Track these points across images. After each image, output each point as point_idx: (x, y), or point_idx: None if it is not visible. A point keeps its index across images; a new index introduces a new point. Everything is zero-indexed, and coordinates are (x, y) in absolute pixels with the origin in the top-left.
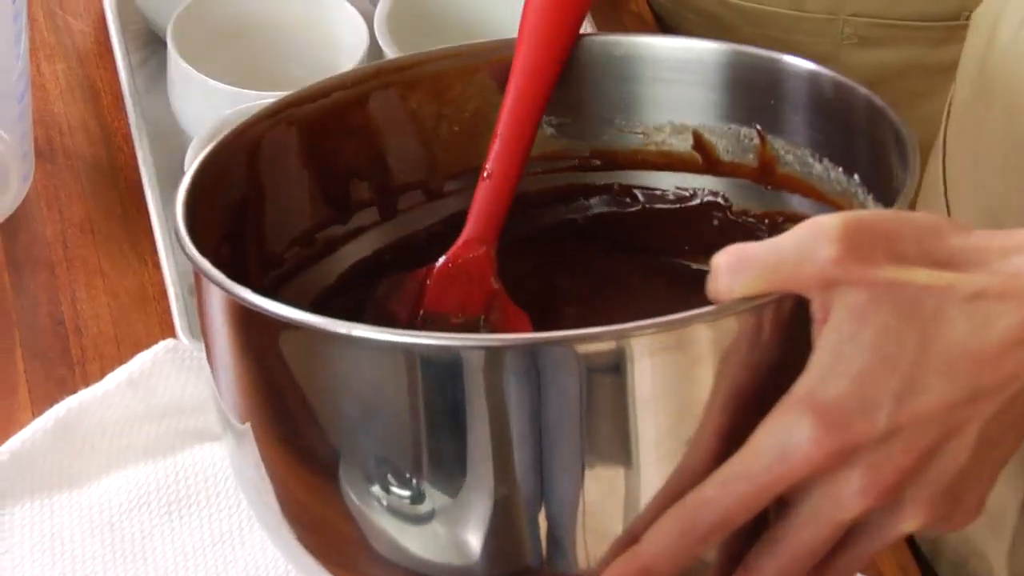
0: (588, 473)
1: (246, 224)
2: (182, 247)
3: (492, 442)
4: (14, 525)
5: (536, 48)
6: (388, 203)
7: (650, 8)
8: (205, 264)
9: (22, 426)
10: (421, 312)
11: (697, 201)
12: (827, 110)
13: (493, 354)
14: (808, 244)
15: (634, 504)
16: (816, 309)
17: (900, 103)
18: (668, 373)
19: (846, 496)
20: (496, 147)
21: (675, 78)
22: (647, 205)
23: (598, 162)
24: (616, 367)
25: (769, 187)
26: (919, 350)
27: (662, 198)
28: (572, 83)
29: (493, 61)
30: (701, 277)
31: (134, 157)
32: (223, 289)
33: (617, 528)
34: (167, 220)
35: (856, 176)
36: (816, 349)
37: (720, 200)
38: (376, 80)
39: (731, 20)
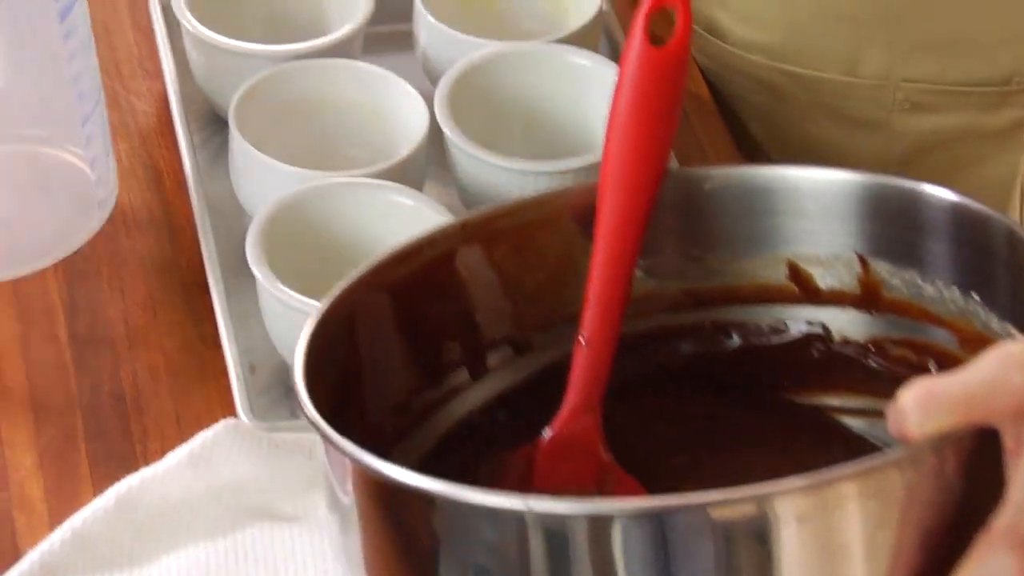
0: None
1: (349, 397)
2: (311, 423)
3: None
4: None
5: (622, 199)
6: (478, 362)
7: (704, 81)
8: (329, 430)
9: (84, 504)
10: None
11: (795, 333)
12: (959, 238)
13: (603, 523)
14: (1000, 374)
15: None
16: (1008, 439)
17: (952, 169)
18: (848, 527)
19: None
20: (590, 312)
21: (767, 208)
22: (742, 341)
23: (687, 301)
24: (764, 529)
25: (874, 312)
26: None
27: (758, 333)
28: (658, 222)
29: (576, 206)
30: (806, 412)
31: (196, 236)
32: (354, 460)
33: None
34: (228, 299)
35: (974, 295)
36: (1011, 481)
37: (819, 330)
38: (462, 236)
39: (784, 87)
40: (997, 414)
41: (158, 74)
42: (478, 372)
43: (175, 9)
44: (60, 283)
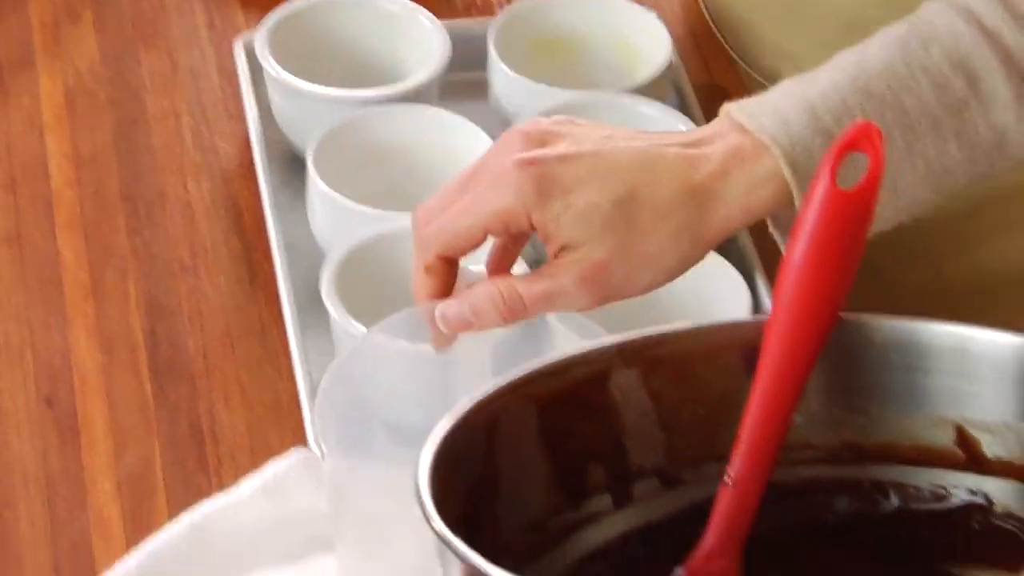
0: None
1: (481, 507)
2: (431, 526)
3: None
4: None
5: (790, 341)
6: (623, 490)
7: None
8: (452, 539)
9: (159, 528)
10: None
11: (956, 501)
12: None
13: None
14: None
15: None
16: None
17: None
18: None
19: None
20: (741, 453)
21: (938, 368)
22: (900, 504)
23: (846, 455)
24: None
25: None
26: None
27: (917, 497)
28: (822, 370)
29: (740, 343)
30: None
31: (273, 274)
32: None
33: None
34: (302, 334)
35: None
36: None
37: (982, 500)
38: (619, 358)
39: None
40: None
41: (241, 116)
42: (622, 500)
43: (259, 54)
44: (142, 317)
